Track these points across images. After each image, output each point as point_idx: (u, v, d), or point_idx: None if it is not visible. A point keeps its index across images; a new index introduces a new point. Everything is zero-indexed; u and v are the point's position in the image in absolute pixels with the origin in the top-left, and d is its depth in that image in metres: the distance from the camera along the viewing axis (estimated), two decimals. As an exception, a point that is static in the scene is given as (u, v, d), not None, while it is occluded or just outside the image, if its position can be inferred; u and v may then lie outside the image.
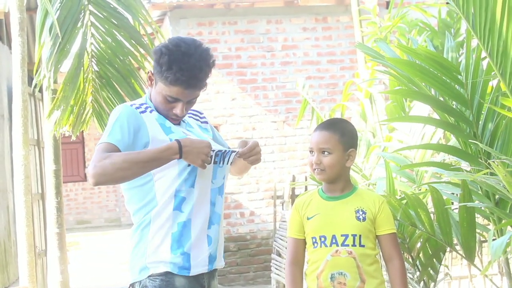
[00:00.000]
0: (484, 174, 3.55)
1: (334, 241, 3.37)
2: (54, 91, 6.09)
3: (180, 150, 3.09)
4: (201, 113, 3.60)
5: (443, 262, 5.33)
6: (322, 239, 3.39)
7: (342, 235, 3.37)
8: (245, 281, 10.53)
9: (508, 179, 3.00)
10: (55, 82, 6.18)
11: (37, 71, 6.02)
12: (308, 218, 3.45)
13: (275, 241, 8.50)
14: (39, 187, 8.57)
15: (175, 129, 3.28)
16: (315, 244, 3.41)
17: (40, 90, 6.87)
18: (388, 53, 4.35)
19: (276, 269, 8.19)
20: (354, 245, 3.36)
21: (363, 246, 3.37)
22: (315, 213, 3.45)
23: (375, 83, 7.74)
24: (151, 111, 3.26)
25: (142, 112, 3.23)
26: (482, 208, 3.92)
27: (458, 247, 4.26)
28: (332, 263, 3.38)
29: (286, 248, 7.98)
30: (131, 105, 3.25)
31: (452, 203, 4.47)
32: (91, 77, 5.93)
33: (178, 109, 3.26)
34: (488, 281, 7.24)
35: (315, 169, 3.41)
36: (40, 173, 8.57)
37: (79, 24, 5.91)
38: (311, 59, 10.90)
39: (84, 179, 18.12)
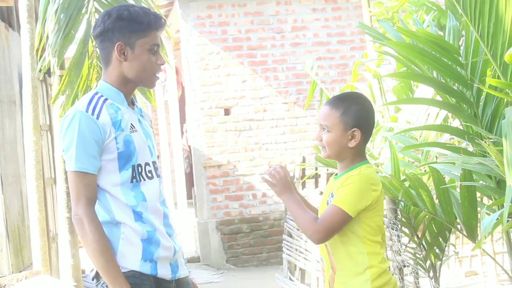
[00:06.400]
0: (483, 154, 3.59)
1: None
2: (61, 77, 6.16)
3: None
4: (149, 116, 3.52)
5: (452, 241, 5.34)
6: None
7: None
8: (258, 261, 10.60)
9: (500, 158, 3.02)
10: (62, 68, 6.25)
11: (41, 56, 6.10)
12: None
13: (286, 222, 8.55)
14: (52, 172, 8.64)
15: (125, 120, 3.21)
16: None
17: (50, 76, 6.93)
18: (392, 34, 4.38)
19: (288, 249, 8.25)
20: None
21: None
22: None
23: (384, 63, 7.73)
24: (104, 102, 3.19)
25: (98, 113, 3.15)
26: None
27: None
28: (320, 247, 3.29)
29: (297, 229, 8.05)
30: (87, 109, 3.15)
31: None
32: (96, 63, 5.98)
33: (161, 57, 3.26)
34: (499, 260, 7.29)
35: (320, 146, 3.28)
36: (53, 158, 8.64)
37: (84, 10, 5.96)
38: (321, 40, 10.89)
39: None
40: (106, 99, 3.21)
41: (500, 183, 3.77)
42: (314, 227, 3.08)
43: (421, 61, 3.82)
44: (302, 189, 8.43)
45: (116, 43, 3.20)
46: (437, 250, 4.72)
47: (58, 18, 5.89)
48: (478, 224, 4.02)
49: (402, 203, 4.57)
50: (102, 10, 5.97)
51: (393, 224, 4.52)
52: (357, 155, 3.22)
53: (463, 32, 4.32)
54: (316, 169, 8.24)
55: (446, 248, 4.74)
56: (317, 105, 9.28)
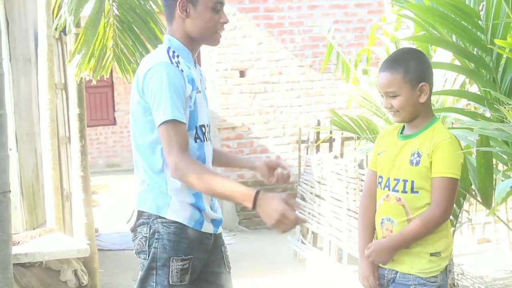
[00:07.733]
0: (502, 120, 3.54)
1: (387, 184, 3.25)
2: (77, 35, 6.12)
3: (254, 202, 3.05)
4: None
5: (465, 208, 5.31)
6: (380, 179, 3.29)
7: (395, 179, 3.23)
8: (271, 224, 10.60)
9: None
10: (77, 26, 6.20)
11: (57, 14, 6.06)
12: (378, 153, 3.35)
13: (299, 185, 8.55)
14: (67, 131, 8.65)
15: (194, 75, 3.19)
16: (377, 184, 3.32)
17: (66, 34, 6.90)
18: (412, -3, 4.30)
19: (300, 213, 8.26)
20: (404, 191, 3.20)
21: (416, 192, 3.18)
22: (384, 149, 3.33)
23: (402, 28, 7.65)
24: (178, 58, 3.15)
25: (177, 63, 3.11)
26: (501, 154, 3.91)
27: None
28: (383, 207, 3.28)
29: (310, 193, 8.05)
30: (170, 61, 3.11)
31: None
32: (112, 22, 5.92)
33: (224, 16, 3.21)
34: (512, 227, 7.27)
35: (390, 113, 3.28)
36: (67, 116, 8.64)
37: (100, -32, 5.92)
38: (338, 2, 10.79)
39: (113, 123, 18.24)
40: (178, 55, 3.16)
41: (518, 149, 3.74)
42: (439, 213, 3.15)
43: (441, 24, 3.77)
44: (316, 153, 8.42)
45: (179, 0, 3.15)
46: (450, 217, 4.70)
47: (74, -25, 5.85)
48: (494, 191, 4.00)
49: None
50: (118, -32, 5.93)
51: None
52: (428, 109, 3.26)
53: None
54: (331, 132, 8.22)
55: (460, 215, 4.72)
56: (333, 68, 9.22)
